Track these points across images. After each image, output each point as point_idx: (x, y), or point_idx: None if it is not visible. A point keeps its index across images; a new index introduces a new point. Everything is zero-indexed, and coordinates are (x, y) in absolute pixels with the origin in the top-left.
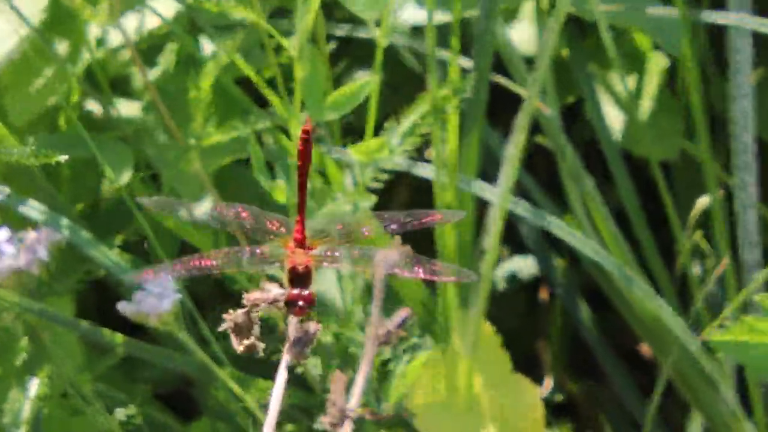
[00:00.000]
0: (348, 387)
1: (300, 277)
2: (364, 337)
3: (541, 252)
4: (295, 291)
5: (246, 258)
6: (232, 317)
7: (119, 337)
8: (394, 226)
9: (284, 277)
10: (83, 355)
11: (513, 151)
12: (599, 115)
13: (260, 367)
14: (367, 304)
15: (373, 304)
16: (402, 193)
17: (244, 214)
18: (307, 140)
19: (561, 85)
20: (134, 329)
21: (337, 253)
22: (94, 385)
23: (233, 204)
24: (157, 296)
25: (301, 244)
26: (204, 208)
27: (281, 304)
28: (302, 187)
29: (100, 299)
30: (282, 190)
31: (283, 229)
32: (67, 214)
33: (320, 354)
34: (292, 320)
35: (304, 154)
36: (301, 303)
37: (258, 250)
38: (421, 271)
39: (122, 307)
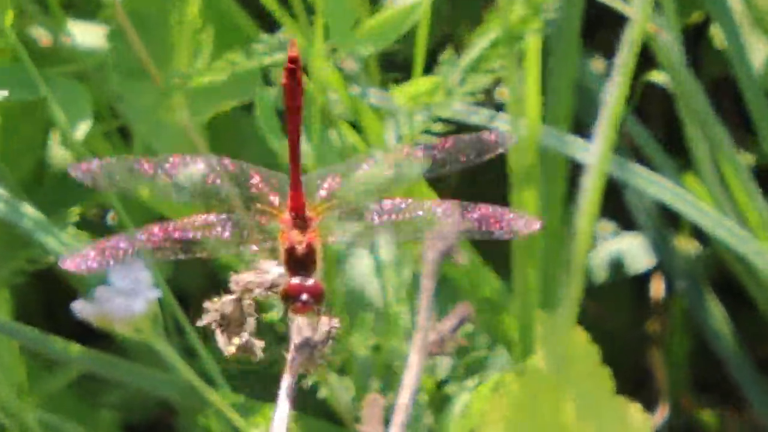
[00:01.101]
0: (388, 416)
1: (302, 262)
2: (411, 346)
3: (656, 230)
4: (295, 280)
5: (226, 234)
6: (217, 307)
7: (75, 348)
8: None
9: (281, 261)
10: (25, 373)
11: (616, 92)
12: (736, 41)
13: (267, 388)
14: (415, 303)
15: (421, 303)
16: None
17: (231, 168)
18: (293, 71)
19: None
20: (95, 338)
21: (356, 221)
22: (40, 412)
23: (214, 157)
24: (126, 293)
25: (299, 215)
26: (186, 169)
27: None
28: (294, 139)
29: (47, 297)
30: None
31: (272, 196)
32: (1, 179)
33: (353, 372)
34: (295, 319)
35: (292, 92)
36: (304, 297)
37: (241, 222)
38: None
39: (79, 307)
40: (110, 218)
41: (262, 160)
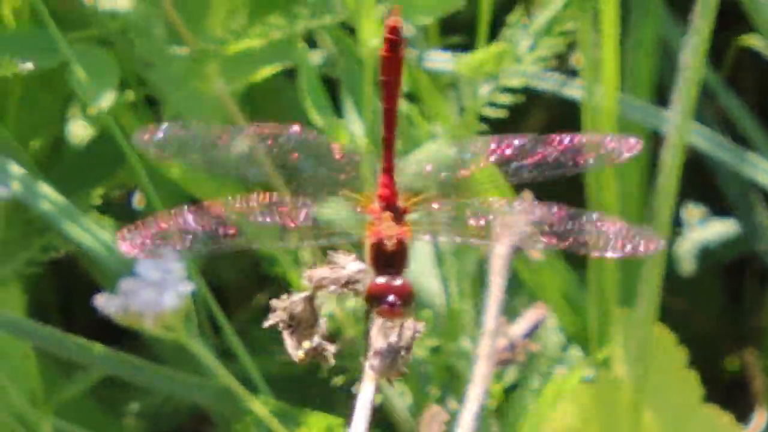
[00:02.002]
0: (450, 426)
1: (390, 259)
2: (476, 351)
3: (751, 215)
4: (382, 279)
5: (296, 223)
6: (286, 305)
7: (96, 349)
8: (521, 168)
9: (366, 257)
10: (40, 377)
11: (699, 56)
12: None
13: (314, 394)
14: (481, 299)
15: (489, 303)
16: (534, 125)
17: (313, 143)
18: (395, 42)
19: None
20: (120, 336)
21: (443, 218)
22: (57, 421)
23: (296, 128)
24: (156, 285)
25: (390, 205)
26: (238, 142)
27: (361, 287)
28: (390, 117)
29: (65, 290)
30: (344, 127)
31: (358, 182)
32: (16, 156)
33: (410, 376)
34: (377, 321)
35: (391, 65)
36: (392, 298)
37: (313, 210)
38: (567, 238)
39: (102, 302)
40: (136, 201)
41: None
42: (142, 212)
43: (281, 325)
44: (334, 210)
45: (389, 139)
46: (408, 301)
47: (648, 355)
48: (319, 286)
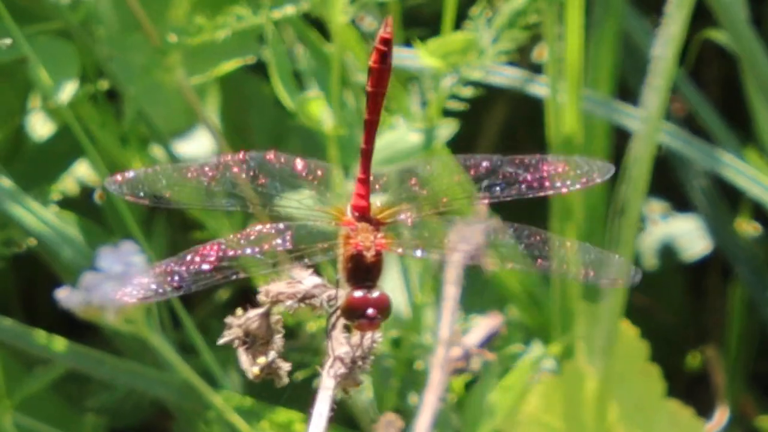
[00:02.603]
0: (408, 422)
1: (368, 271)
2: (433, 353)
3: (713, 211)
4: (360, 293)
5: (287, 244)
6: (241, 322)
7: (58, 343)
8: (489, 187)
9: (340, 269)
10: (1, 371)
11: (667, 51)
12: None
13: (275, 389)
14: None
15: (443, 312)
16: (496, 119)
17: (276, 165)
18: (386, 54)
19: None
20: (82, 331)
21: (416, 234)
22: (18, 416)
23: (256, 153)
24: (117, 278)
25: (365, 216)
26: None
27: (317, 300)
28: (372, 128)
29: (26, 284)
30: (319, 104)
31: (328, 194)
32: None
33: (371, 369)
34: (334, 330)
35: (380, 77)
36: (371, 312)
37: (302, 228)
38: (533, 259)
39: (63, 295)
40: (97, 197)
41: (271, 127)
42: (101, 208)
43: (236, 341)
44: (309, 227)
45: (368, 150)
46: (386, 313)
47: (611, 349)
48: (275, 302)
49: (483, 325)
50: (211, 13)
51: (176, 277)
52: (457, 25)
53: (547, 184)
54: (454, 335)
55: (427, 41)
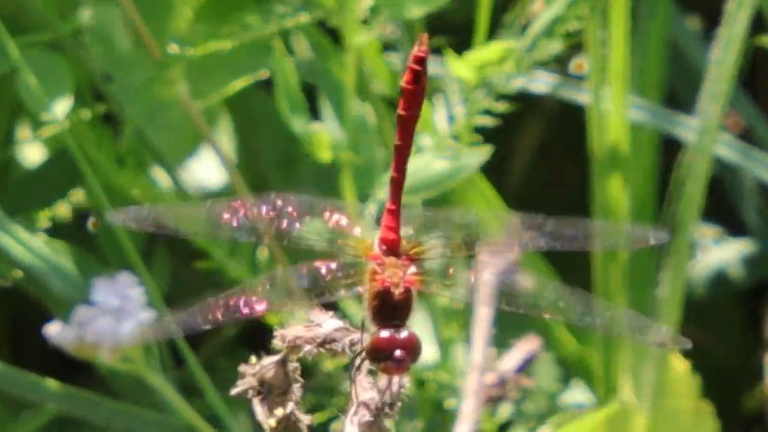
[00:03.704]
0: None
1: (395, 309)
2: (464, 387)
3: None
4: (386, 333)
5: (310, 282)
6: (255, 371)
7: (49, 384)
8: (532, 239)
9: (366, 307)
10: None
11: (722, 58)
12: None
13: None
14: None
15: (476, 335)
16: (531, 134)
17: (288, 207)
18: (420, 74)
19: None
20: (74, 371)
21: (454, 274)
22: None
23: (265, 196)
24: (113, 313)
25: (394, 250)
26: (217, 212)
27: (339, 346)
28: (403, 155)
29: (13, 319)
30: (323, 137)
31: (343, 222)
32: None
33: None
34: (359, 375)
35: (413, 99)
36: (398, 353)
37: (330, 266)
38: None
39: (54, 331)
40: (91, 224)
41: (282, 149)
42: (96, 236)
43: (251, 392)
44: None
45: (398, 179)
46: (416, 355)
47: (660, 387)
48: (293, 347)
49: (519, 348)
50: (217, 22)
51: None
52: (492, 32)
53: (594, 242)
54: (488, 360)
55: (460, 51)
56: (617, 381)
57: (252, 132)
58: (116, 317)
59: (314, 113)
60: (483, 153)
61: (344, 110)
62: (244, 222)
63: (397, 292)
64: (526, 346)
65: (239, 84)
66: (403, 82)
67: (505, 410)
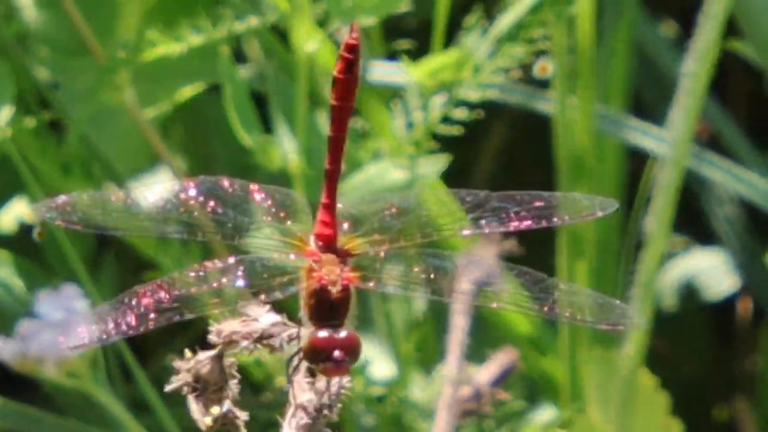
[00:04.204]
0: None
1: (333, 308)
2: (434, 403)
3: (741, 244)
4: (324, 333)
5: (240, 282)
6: (190, 366)
7: None
8: (476, 219)
9: (302, 306)
10: None
11: (692, 67)
12: None
13: None
14: (434, 345)
15: (450, 346)
16: (494, 142)
17: (229, 189)
18: (352, 63)
19: None
20: (17, 386)
21: (390, 266)
22: None
23: (207, 178)
24: (58, 326)
25: (330, 246)
26: (154, 194)
27: (277, 341)
28: (337, 147)
29: None
30: (274, 148)
31: (288, 222)
32: None
33: (348, 428)
34: (297, 377)
35: (346, 89)
36: (337, 354)
37: (247, 263)
38: (534, 304)
39: None
40: (36, 234)
41: (237, 157)
42: (41, 246)
43: (186, 388)
44: (266, 259)
45: (333, 171)
46: (355, 355)
47: (627, 402)
48: (229, 342)
49: (495, 361)
50: (165, 26)
51: (118, 322)
52: (449, 35)
53: (540, 219)
54: (463, 372)
55: (414, 58)
56: (584, 398)
57: (205, 139)
58: (61, 331)
59: (267, 120)
60: (441, 161)
61: (296, 118)
62: (173, 204)
63: (335, 290)
64: (502, 358)
65: (189, 90)
66: (335, 71)
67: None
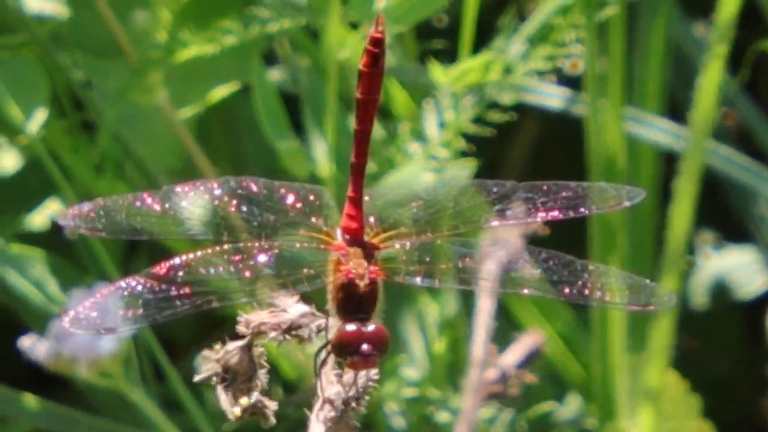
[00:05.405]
0: None
1: (361, 301)
2: (461, 398)
3: None
4: (352, 326)
5: (267, 268)
6: (219, 356)
7: (24, 399)
8: (502, 211)
9: (330, 300)
10: None
11: (715, 63)
12: None
13: None
14: (462, 345)
15: (476, 329)
16: (524, 142)
17: (254, 188)
18: (377, 57)
19: None
20: (51, 385)
21: (417, 258)
22: None
23: (231, 178)
24: None
25: (357, 240)
26: (199, 198)
27: (306, 332)
28: (363, 141)
29: None
30: (300, 154)
31: (314, 218)
32: None
33: (379, 428)
34: (325, 370)
35: (371, 83)
36: (365, 347)
37: (274, 252)
38: (562, 287)
39: (29, 345)
40: (68, 232)
41: (265, 160)
42: (74, 244)
43: (215, 378)
44: (294, 251)
45: (359, 165)
46: (383, 349)
47: (658, 404)
48: (257, 333)
49: (522, 343)
50: (198, 27)
51: (137, 307)
52: (482, 35)
53: (567, 210)
54: (489, 355)
55: (444, 61)
56: (615, 402)
57: (238, 140)
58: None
59: (298, 124)
60: (472, 165)
61: (326, 121)
62: (200, 205)
63: (363, 284)
64: (528, 341)
65: (222, 91)
66: (361, 65)
67: (500, 422)
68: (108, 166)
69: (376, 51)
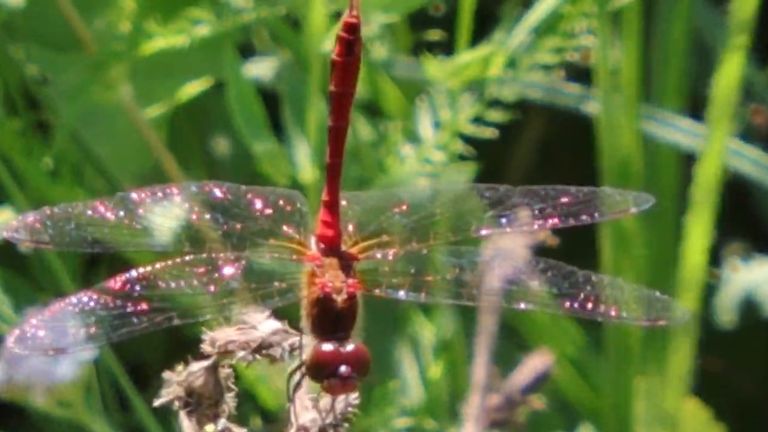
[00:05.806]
0: None
1: (339, 318)
2: (460, 427)
3: None
4: (329, 346)
5: (234, 282)
6: (182, 379)
7: None
8: (494, 218)
9: (304, 316)
10: None
11: (735, 54)
12: None
13: None
14: (461, 368)
15: (479, 350)
16: (529, 140)
17: (218, 194)
18: (351, 44)
19: None
20: (2, 414)
21: (400, 269)
22: None
23: (193, 183)
24: None
25: (333, 249)
26: (159, 206)
27: (277, 351)
28: (338, 138)
29: None
30: (280, 157)
31: (286, 226)
32: None
33: None
34: (300, 394)
35: (344, 73)
36: (343, 369)
37: (241, 264)
38: (562, 301)
39: None
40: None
41: (238, 164)
42: (29, 257)
43: (177, 403)
44: (263, 262)
45: (334, 165)
46: (363, 371)
47: (679, 430)
48: (224, 352)
49: (528, 366)
50: (165, 17)
51: (90, 324)
52: (482, 26)
53: (567, 217)
54: (492, 379)
55: (439, 53)
56: (629, 426)
57: (212, 141)
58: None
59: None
60: (470, 170)
61: (309, 120)
62: (164, 214)
63: (340, 298)
64: (536, 362)
65: (193, 87)
66: (334, 54)
67: None
68: (65, 171)
69: (350, 38)
